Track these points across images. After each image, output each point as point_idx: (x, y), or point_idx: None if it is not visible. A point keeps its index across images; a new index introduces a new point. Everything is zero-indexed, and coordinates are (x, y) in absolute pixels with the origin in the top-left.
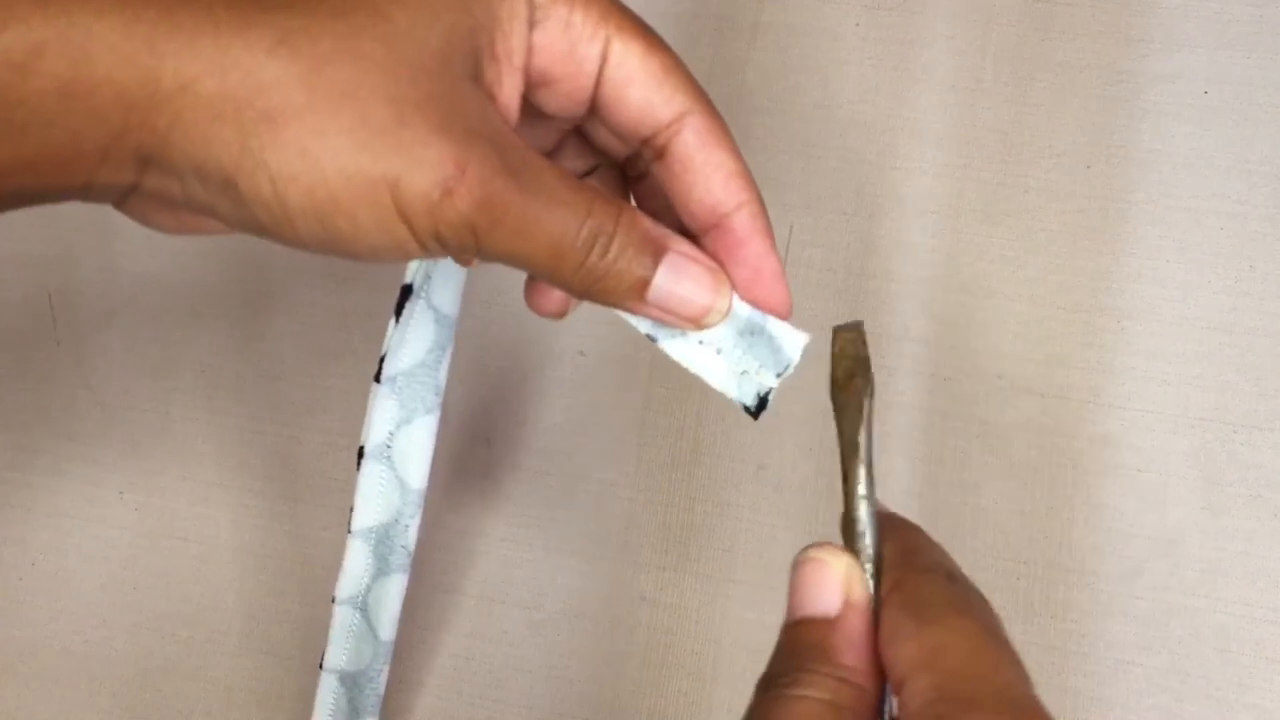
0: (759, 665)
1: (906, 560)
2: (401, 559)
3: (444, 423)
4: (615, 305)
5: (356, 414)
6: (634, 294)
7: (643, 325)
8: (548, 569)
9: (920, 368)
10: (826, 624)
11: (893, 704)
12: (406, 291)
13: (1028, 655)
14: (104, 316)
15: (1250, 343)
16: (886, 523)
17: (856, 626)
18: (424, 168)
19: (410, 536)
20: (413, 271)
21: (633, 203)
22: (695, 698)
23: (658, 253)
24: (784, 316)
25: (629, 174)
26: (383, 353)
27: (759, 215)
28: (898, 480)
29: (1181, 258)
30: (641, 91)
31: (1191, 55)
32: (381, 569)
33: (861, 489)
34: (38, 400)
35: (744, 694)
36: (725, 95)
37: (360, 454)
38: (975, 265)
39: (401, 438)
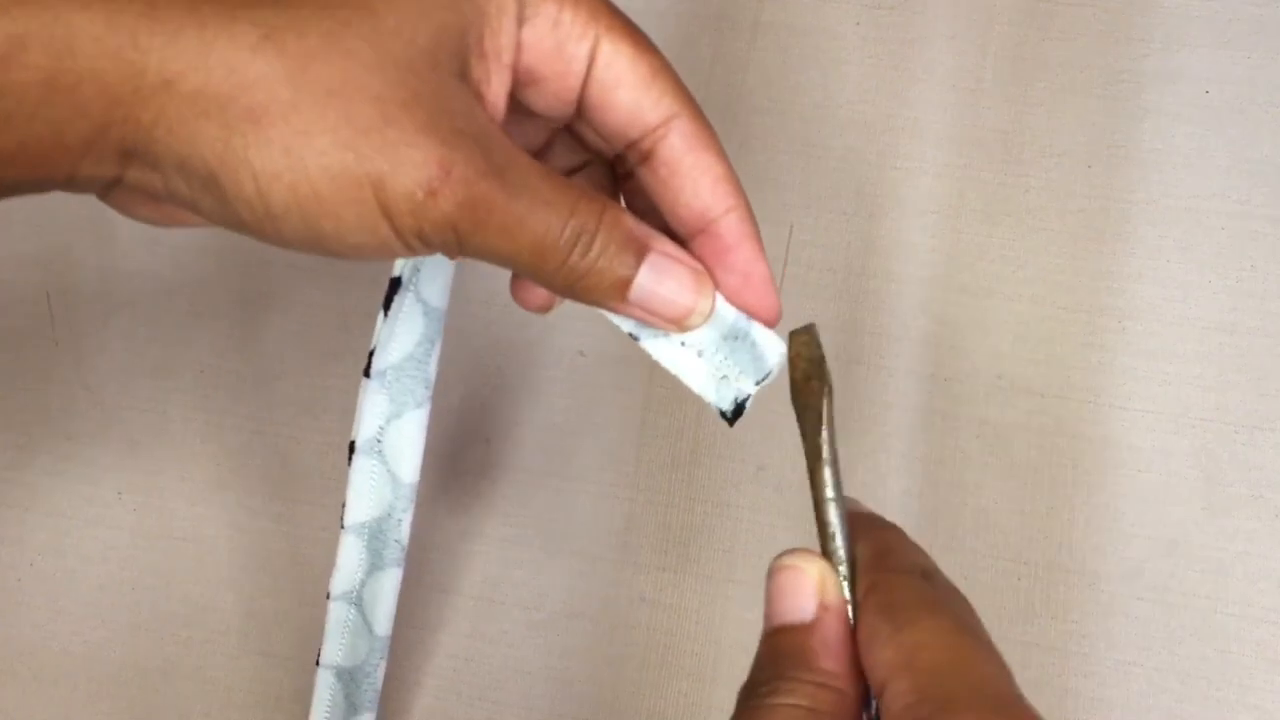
0: None
1: (881, 562)
2: (395, 553)
3: (444, 423)
4: (598, 304)
5: (355, 414)
6: (616, 293)
7: (626, 324)
8: (547, 569)
9: (920, 368)
10: (804, 630)
11: (873, 707)
12: (395, 284)
13: (1028, 656)
14: (102, 316)
15: (1251, 343)
16: (861, 523)
17: (834, 630)
18: (409, 168)
19: (404, 531)
20: (401, 264)
21: (622, 202)
22: (695, 699)
23: (640, 252)
24: (773, 322)
25: (618, 171)
26: (371, 347)
27: (747, 220)
28: (898, 480)
29: (1182, 258)
30: (629, 94)
31: (1192, 55)
32: (375, 564)
33: (828, 491)
34: (36, 400)
35: None
36: (725, 95)
37: (351, 449)
38: (975, 265)
39: (392, 432)
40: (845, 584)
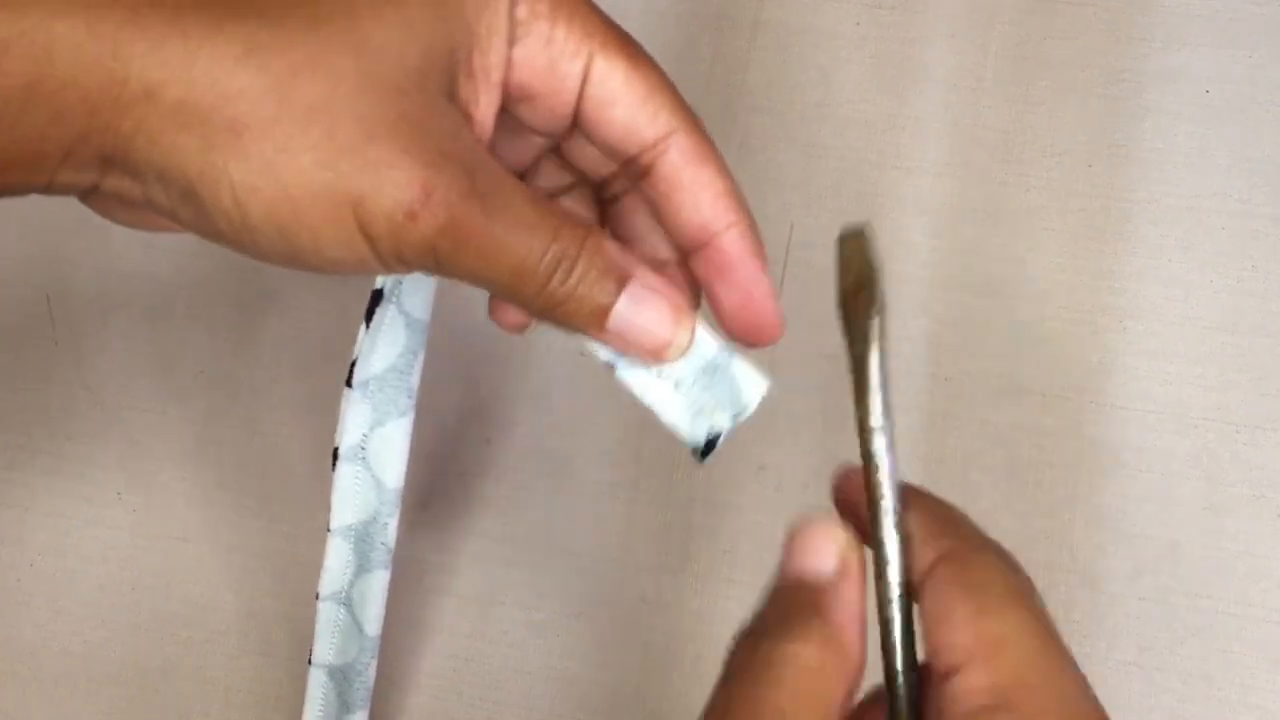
0: None
1: (952, 529)
2: (382, 555)
3: (444, 423)
4: (576, 330)
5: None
6: (594, 320)
7: (603, 353)
8: (547, 569)
9: (920, 368)
10: (822, 587)
11: (899, 682)
12: (377, 296)
13: None
14: (102, 316)
15: (1252, 342)
16: (911, 490)
17: (853, 594)
18: (389, 189)
19: (390, 534)
20: (383, 276)
21: (609, 230)
22: (695, 699)
23: (621, 281)
24: (774, 338)
25: (603, 197)
26: (353, 358)
27: (748, 235)
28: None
29: (1183, 257)
30: (625, 111)
31: (1193, 54)
32: (363, 565)
33: (875, 419)
34: (35, 400)
35: None
36: (725, 95)
37: (335, 456)
38: (976, 265)
39: (375, 439)
40: (888, 521)
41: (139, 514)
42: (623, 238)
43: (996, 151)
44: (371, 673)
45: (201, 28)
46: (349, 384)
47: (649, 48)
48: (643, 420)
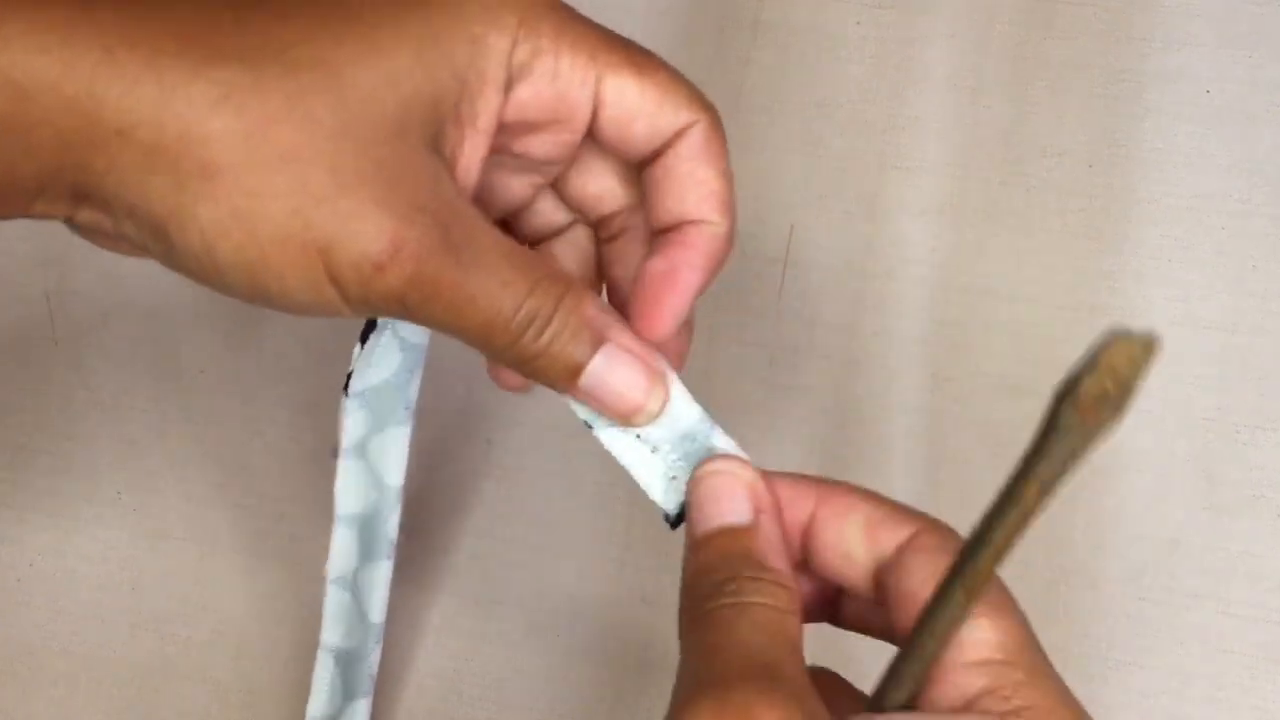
0: None
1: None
2: (385, 547)
3: (444, 423)
4: (548, 385)
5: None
6: (566, 377)
7: (581, 411)
8: (548, 570)
9: (921, 368)
10: (744, 532)
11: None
12: (371, 322)
13: None
14: (102, 316)
15: (1252, 342)
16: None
17: (774, 531)
18: (358, 240)
19: (391, 529)
20: None
21: (604, 258)
22: None
23: (596, 340)
24: (653, 337)
25: (600, 235)
26: (349, 370)
27: (719, 238)
28: (898, 481)
29: (1184, 257)
30: (645, 122)
31: (1193, 54)
32: (367, 555)
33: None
34: (35, 400)
35: None
36: (725, 95)
37: (335, 453)
38: (976, 265)
39: (375, 442)
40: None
41: (139, 514)
42: (620, 275)
43: (996, 152)
44: (375, 659)
45: (178, 72)
46: (345, 391)
47: (649, 47)
48: None
